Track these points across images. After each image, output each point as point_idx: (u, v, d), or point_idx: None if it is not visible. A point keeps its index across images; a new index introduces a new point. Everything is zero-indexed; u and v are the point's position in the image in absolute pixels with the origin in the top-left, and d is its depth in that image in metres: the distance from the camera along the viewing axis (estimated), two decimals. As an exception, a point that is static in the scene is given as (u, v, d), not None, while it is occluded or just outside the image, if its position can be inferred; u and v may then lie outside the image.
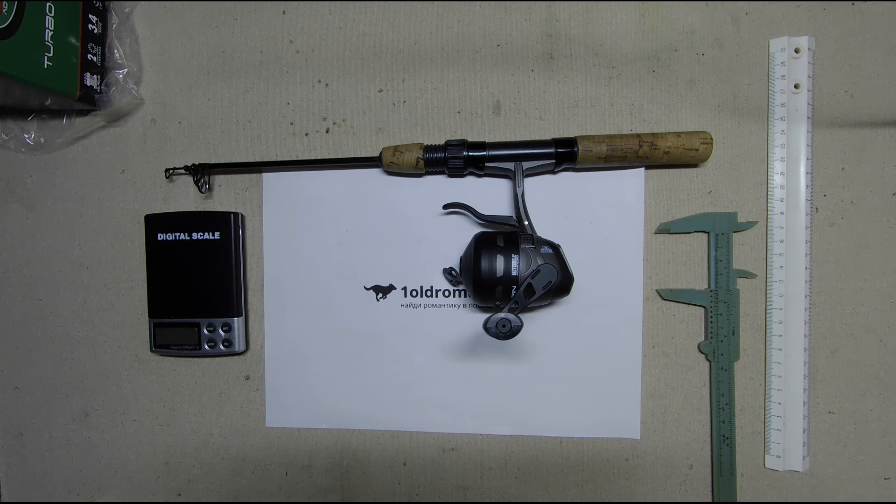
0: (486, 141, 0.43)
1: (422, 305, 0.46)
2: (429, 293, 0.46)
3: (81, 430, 0.50)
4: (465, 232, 0.45)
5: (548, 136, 0.44)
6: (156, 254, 0.47)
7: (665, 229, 0.44)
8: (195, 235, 0.46)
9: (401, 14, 0.46)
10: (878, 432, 0.44)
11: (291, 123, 0.47)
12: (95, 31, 0.46)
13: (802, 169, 0.43)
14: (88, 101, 0.45)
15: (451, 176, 0.45)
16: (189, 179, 0.48)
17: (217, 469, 0.49)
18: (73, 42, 0.44)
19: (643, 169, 0.44)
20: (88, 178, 0.49)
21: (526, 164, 0.42)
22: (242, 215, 0.47)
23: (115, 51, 0.46)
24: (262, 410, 0.48)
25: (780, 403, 0.43)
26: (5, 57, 0.38)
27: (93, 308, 0.50)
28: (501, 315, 0.37)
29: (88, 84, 0.45)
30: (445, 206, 0.44)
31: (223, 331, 0.47)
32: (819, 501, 0.44)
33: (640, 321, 0.45)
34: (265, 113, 0.47)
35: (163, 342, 0.47)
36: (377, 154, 0.44)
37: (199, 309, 0.47)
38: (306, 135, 0.47)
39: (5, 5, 0.38)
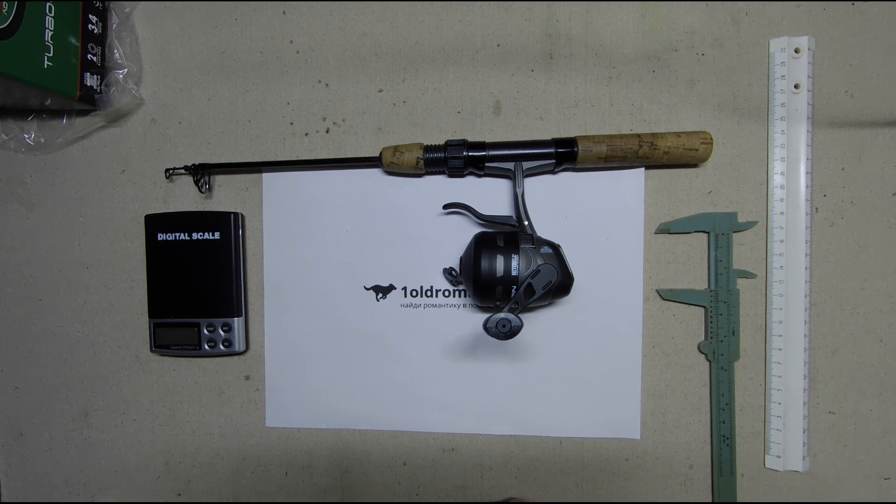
0: (486, 141, 0.43)
1: (422, 305, 0.46)
2: (429, 293, 0.46)
3: (81, 430, 0.50)
4: (465, 232, 0.45)
5: (548, 136, 0.44)
6: (156, 254, 0.47)
7: (665, 229, 0.44)
8: (195, 235, 0.46)
9: (401, 14, 0.46)
10: (878, 432, 0.44)
11: (291, 123, 0.47)
12: (95, 31, 0.46)
13: (802, 169, 0.43)
14: (88, 101, 0.45)
15: (451, 176, 0.45)
16: (189, 179, 0.48)
17: (217, 469, 0.49)
18: (73, 42, 0.44)
19: (643, 169, 0.44)
20: (88, 178, 0.49)
21: (526, 164, 0.42)
22: (242, 215, 0.47)
23: (115, 51, 0.46)
24: (262, 410, 0.48)
25: (780, 403, 0.43)
26: (5, 57, 0.38)
27: (93, 308, 0.50)
28: (501, 315, 0.37)
29: (88, 84, 0.45)
30: (445, 206, 0.44)
31: (223, 331, 0.46)
32: (819, 501, 0.44)
33: (640, 321, 0.45)
34: (265, 113, 0.47)
35: (163, 342, 0.47)
36: (377, 154, 0.44)
37: (199, 309, 0.47)
38: (306, 135, 0.47)
39: (5, 5, 0.38)
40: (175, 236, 0.47)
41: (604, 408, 0.45)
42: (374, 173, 0.46)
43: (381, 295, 0.47)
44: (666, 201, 0.44)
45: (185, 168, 0.46)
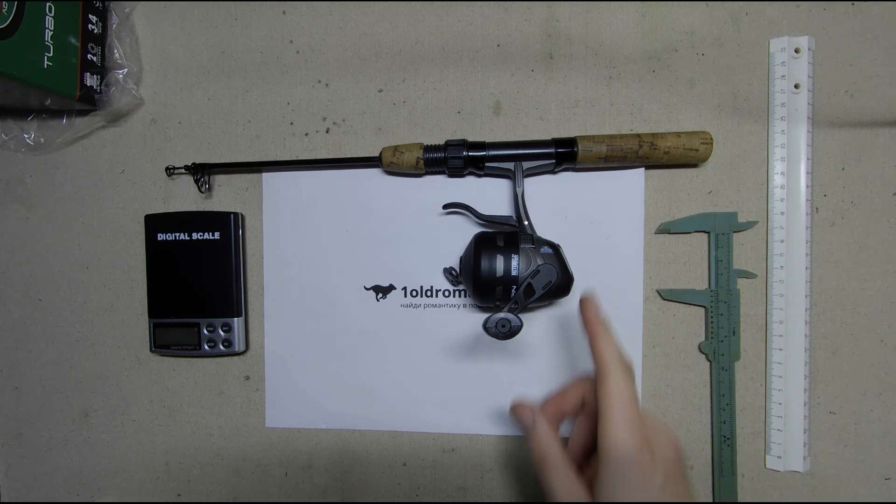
0: (486, 141, 0.43)
1: (422, 305, 0.46)
2: (429, 293, 0.46)
3: (81, 430, 0.50)
4: (465, 232, 0.45)
5: (548, 136, 0.44)
6: (156, 254, 0.47)
7: (665, 229, 0.44)
8: (195, 235, 0.46)
9: (401, 14, 0.46)
10: (879, 432, 0.44)
11: (291, 123, 0.47)
12: (95, 31, 0.46)
13: (802, 169, 0.43)
14: (88, 101, 0.45)
15: (451, 176, 0.45)
16: (189, 179, 0.48)
17: (217, 469, 0.49)
18: (73, 42, 0.44)
19: (643, 169, 0.44)
20: (88, 178, 0.49)
21: (526, 164, 0.42)
22: (242, 215, 0.47)
23: (115, 51, 0.46)
24: (262, 410, 0.48)
25: (780, 404, 0.43)
26: (5, 57, 0.38)
27: (93, 308, 0.50)
28: (501, 315, 0.37)
29: (88, 84, 0.45)
30: (445, 206, 0.44)
31: (223, 331, 0.46)
32: (820, 502, 0.44)
33: (640, 321, 0.44)
34: (265, 113, 0.47)
35: (163, 342, 0.47)
36: (377, 154, 0.44)
37: (199, 309, 0.47)
38: (306, 135, 0.47)
39: (5, 5, 0.38)
40: (175, 236, 0.47)
41: (604, 408, 0.45)
42: (374, 173, 0.46)
43: (381, 295, 0.47)
44: (666, 201, 0.44)
45: (185, 168, 0.46)
